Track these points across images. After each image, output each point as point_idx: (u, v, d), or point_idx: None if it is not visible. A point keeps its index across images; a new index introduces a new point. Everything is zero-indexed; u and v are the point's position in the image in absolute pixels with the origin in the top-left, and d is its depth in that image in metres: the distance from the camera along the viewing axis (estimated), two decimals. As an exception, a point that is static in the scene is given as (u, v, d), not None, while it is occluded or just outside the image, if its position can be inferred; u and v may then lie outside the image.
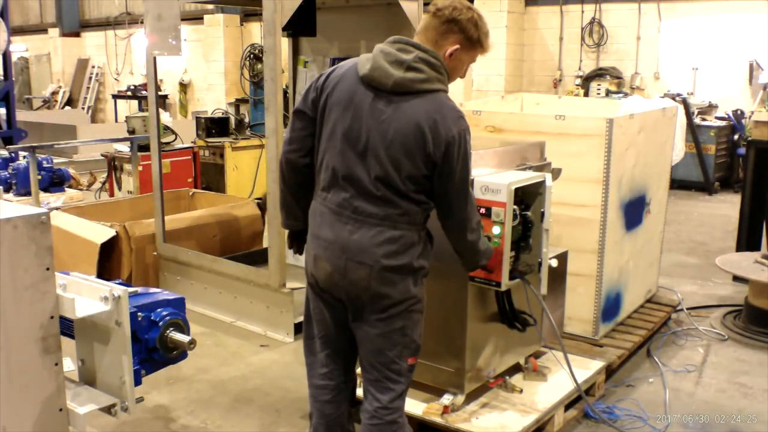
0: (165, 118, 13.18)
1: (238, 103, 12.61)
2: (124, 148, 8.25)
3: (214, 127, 8.63)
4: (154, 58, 5.35)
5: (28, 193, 7.68)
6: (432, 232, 2.80)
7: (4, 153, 8.74)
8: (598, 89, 11.59)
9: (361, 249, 2.60)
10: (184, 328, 2.85)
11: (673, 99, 9.53)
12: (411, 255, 2.65)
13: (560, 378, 3.74)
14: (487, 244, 2.92)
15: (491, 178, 3.16)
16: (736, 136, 10.56)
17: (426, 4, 5.09)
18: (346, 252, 2.62)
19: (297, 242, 3.02)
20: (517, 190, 3.12)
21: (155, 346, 2.75)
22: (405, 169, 2.57)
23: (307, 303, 2.94)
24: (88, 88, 19.71)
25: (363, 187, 2.60)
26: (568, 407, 3.69)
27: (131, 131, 8.25)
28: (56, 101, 19.57)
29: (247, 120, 9.47)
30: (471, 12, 2.62)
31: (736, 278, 5.88)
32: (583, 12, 12.14)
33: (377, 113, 2.57)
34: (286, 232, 3.09)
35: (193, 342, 2.80)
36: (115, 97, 18.45)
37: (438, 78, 2.58)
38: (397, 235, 2.61)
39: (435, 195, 2.66)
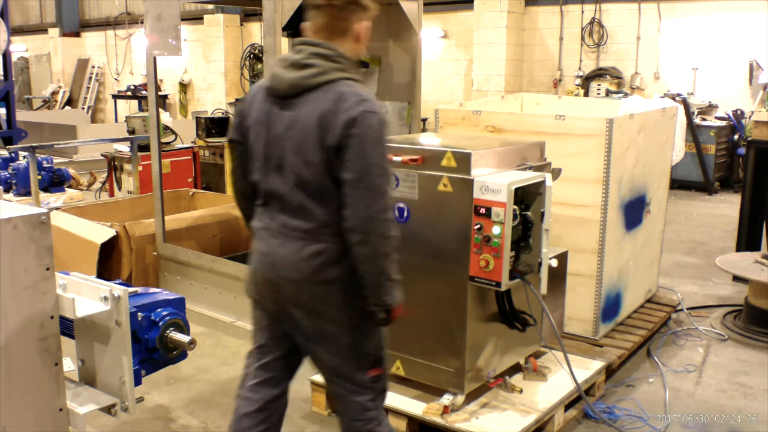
0: (165, 118, 13.17)
1: (238, 103, 12.63)
2: (124, 148, 8.25)
3: (214, 127, 8.63)
4: (154, 58, 5.35)
5: (28, 193, 7.68)
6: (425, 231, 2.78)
7: (4, 153, 8.75)
8: (598, 89, 11.59)
9: (288, 264, 2.50)
10: (184, 328, 2.85)
11: (673, 99, 9.53)
12: (340, 268, 2.47)
13: (560, 378, 3.75)
14: (396, 282, 2.48)
15: (491, 178, 3.16)
16: (736, 136, 10.56)
17: (426, 5, 5.10)
18: (276, 267, 2.53)
19: None
20: (517, 190, 3.13)
21: (155, 346, 2.75)
22: (315, 169, 2.42)
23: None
24: (88, 88, 19.71)
25: (285, 200, 2.51)
26: (568, 407, 3.69)
27: (131, 131, 8.26)
28: (56, 101, 19.57)
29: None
30: None
31: (736, 278, 5.88)
32: (583, 12, 12.14)
33: (283, 121, 2.48)
34: None
35: (193, 342, 2.80)
36: (115, 97, 18.46)
37: (335, 68, 2.44)
38: (321, 248, 2.46)
39: (342, 190, 2.39)
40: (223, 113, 9.99)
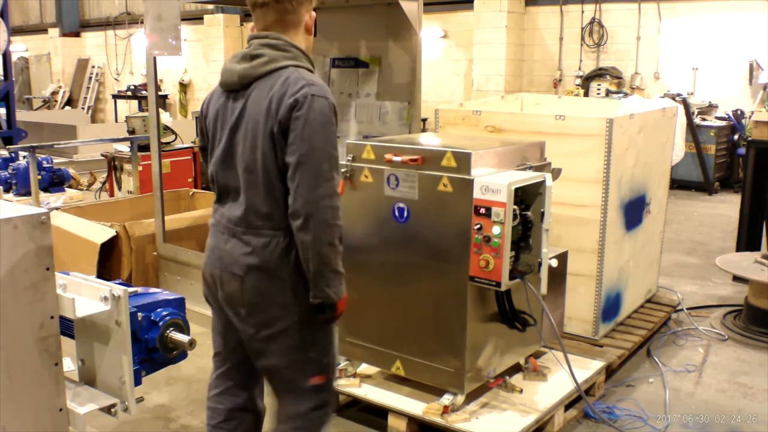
0: (165, 118, 13.17)
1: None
2: (124, 148, 8.25)
3: (214, 127, 8.61)
4: (154, 58, 5.35)
5: (28, 193, 7.68)
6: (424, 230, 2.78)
7: (4, 153, 8.75)
8: (598, 89, 11.59)
9: (233, 259, 2.46)
10: (184, 328, 2.84)
11: (673, 99, 9.53)
12: (286, 263, 2.40)
13: (560, 378, 3.75)
14: (340, 275, 2.40)
15: (491, 178, 3.16)
16: (736, 136, 10.56)
17: (426, 5, 5.10)
18: (222, 262, 2.50)
19: None
20: (517, 190, 3.13)
21: (155, 346, 2.75)
22: (264, 158, 2.37)
23: None
24: (88, 88, 19.72)
25: (234, 194, 2.49)
26: (568, 407, 3.69)
27: (131, 131, 8.26)
28: (56, 101, 19.58)
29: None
30: None
31: (736, 278, 5.88)
32: (583, 12, 12.14)
33: (234, 112, 2.47)
34: None
35: (193, 342, 2.80)
36: (115, 97, 18.47)
37: (284, 56, 2.42)
38: (266, 242, 2.41)
39: (287, 176, 2.34)
40: (223, 113, 9.98)
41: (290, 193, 2.32)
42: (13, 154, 8.52)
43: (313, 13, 2.54)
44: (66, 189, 8.72)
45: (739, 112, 10.55)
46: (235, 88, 2.46)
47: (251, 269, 2.43)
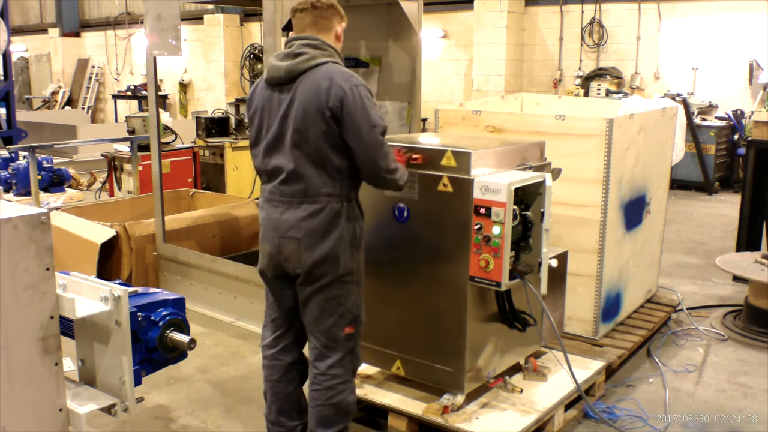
0: (165, 118, 13.17)
1: (238, 103, 12.59)
2: (124, 148, 8.25)
3: (214, 127, 8.63)
4: (154, 58, 5.35)
5: (28, 193, 7.69)
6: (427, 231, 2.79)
7: (4, 153, 8.76)
8: (598, 89, 11.59)
9: (290, 225, 2.90)
10: (184, 328, 2.85)
11: (673, 99, 9.53)
12: (336, 226, 2.90)
13: (560, 378, 3.75)
14: (403, 173, 3.05)
15: (491, 178, 3.16)
16: (736, 136, 10.56)
17: (426, 5, 5.10)
18: (279, 230, 2.92)
19: None
20: (517, 190, 3.13)
21: (155, 346, 2.75)
22: (315, 140, 2.84)
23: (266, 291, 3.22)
24: (88, 88, 19.72)
25: (289, 172, 2.89)
26: (568, 407, 3.69)
27: (131, 131, 8.26)
28: (56, 101, 19.58)
29: (247, 120, 9.45)
30: None
31: (736, 278, 5.88)
32: (583, 12, 12.15)
33: (283, 103, 2.91)
34: None
35: (193, 342, 2.80)
36: (115, 97, 18.47)
37: (322, 54, 2.90)
38: (319, 208, 2.88)
39: (352, 151, 2.88)
40: (223, 113, 9.98)
41: (358, 161, 2.88)
42: (13, 154, 8.52)
43: (344, 24, 3.05)
44: (66, 189, 8.72)
45: (739, 112, 10.55)
46: (282, 82, 2.91)
47: (308, 232, 2.88)
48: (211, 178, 8.43)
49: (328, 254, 2.90)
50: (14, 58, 17.27)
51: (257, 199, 6.75)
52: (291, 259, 2.92)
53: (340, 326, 2.99)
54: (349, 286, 2.99)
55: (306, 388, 3.17)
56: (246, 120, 3.13)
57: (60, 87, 19.90)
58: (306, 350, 3.20)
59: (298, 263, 2.91)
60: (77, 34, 20.37)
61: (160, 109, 6.72)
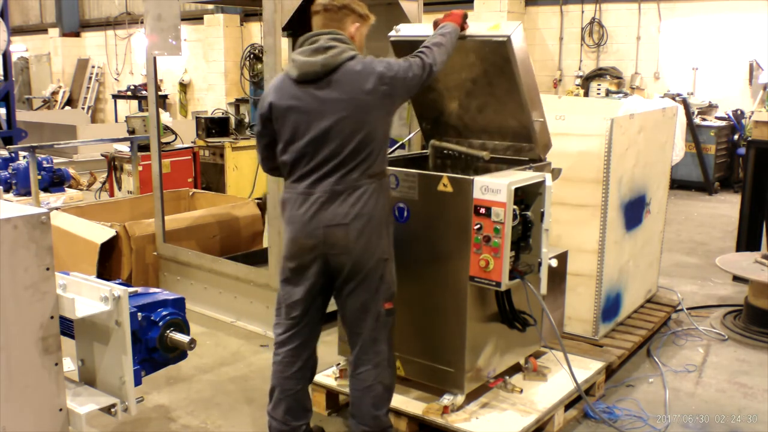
0: (165, 118, 13.17)
1: (238, 103, 12.62)
2: (124, 148, 8.25)
3: (214, 127, 8.63)
4: (154, 58, 5.35)
5: (28, 193, 7.68)
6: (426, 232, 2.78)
7: (4, 153, 8.75)
8: (598, 89, 11.59)
9: (335, 214, 2.96)
10: (184, 328, 2.85)
11: (673, 99, 9.52)
12: (378, 206, 3.02)
13: (560, 378, 3.75)
14: (429, 59, 3.12)
15: (491, 178, 3.16)
16: (736, 136, 10.55)
17: (426, 5, 5.11)
18: (321, 221, 2.97)
19: None
20: (517, 190, 3.13)
21: (155, 346, 2.75)
22: (360, 126, 2.94)
23: (280, 291, 3.24)
24: (88, 88, 19.71)
25: (332, 164, 2.96)
26: (568, 407, 3.69)
27: (131, 131, 8.26)
28: (56, 101, 19.57)
29: (247, 120, 9.46)
30: None
31: (736, 278, 5.88)
32: (583, 12, 12.14)
33: (321, 99, 2.96)
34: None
35: (193, 342, 2.81)
36: (115, 97, 18.46)
37: (349, 48, 3.01)
38: (363, 191, 2.98)
39: (410, 93, 3.13)
40: (223, 113, 9.98)
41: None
42: (13, 154, 8.52)
43: (358, 25, 3.11)
44: (66, 189, 8.72)
45: (739, 112, 10.55)
46: (318, 77, 2.96)
47: (356, 216, 2.96)
48: (211, 178, 8.43)
49: (373, 235, 3.00)
50: (14, 58, 17.27)
51: (258, 199, 6.79)
52: (338, 244, 2.98)
53: (382, 304, 3.10)
54: (389, 262, 3.11)
55: (315, 377, 3.32)
56: (255, 119, 3.15)
57: (60, 87, 19.90)
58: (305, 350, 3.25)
59: (345, 248, 2.98)
60: (77, 34, 20.36)
61: (160, 109, 6.72)
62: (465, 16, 3.36)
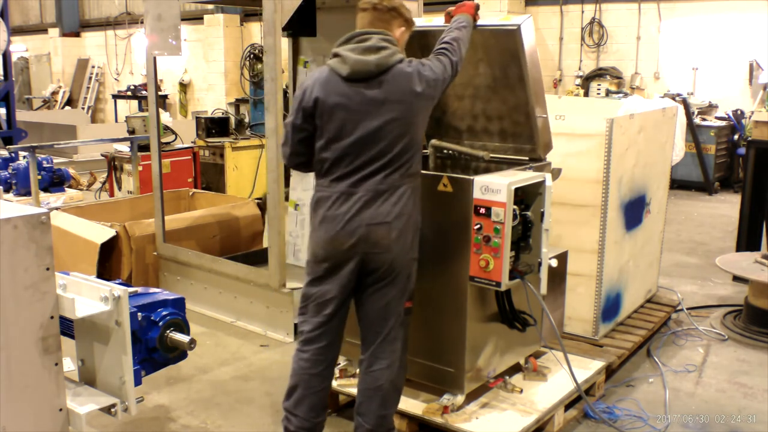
0: (165, 118, 13.17)
1: (238, 103, 12.59)
2: (124, 148, 8.25)
3: (214, 127, 8.62)
4: (154, 58, 5.35)
5: (28, 193, 7.68)
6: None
7: (4, 153, 8.75)
8: (598, 89, 11.59)
9: (377, 212, 2.98)
10: (184, 328, 2.85)
11: (673, 99, 9.52)
12: (414, 206, 3.07)
13: (560, 378, 3.75)
14: (454, 56, 3.17)
15: (491, 178, 3.16)
16: (736, 136, 10.55)
17: (426, 5, 5.11)
18: (362, 220, 2.98)
19: None
20: (517, 190, 3.13)
21: (155, 346, 2.75)
22: (410, 126, 2.99)
23: (308, 290, 3.18)
24: (88, 88, 19.70)
25: (378, 163, 2.97)
26: (568, 407, 3.69)
27: (131, 131, 8.25)
28: (56, 101, 19.56)
29: (247, 120, 9.47)
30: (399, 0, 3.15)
31: (736, 278, 5.88)
32: (583, 12, 12.14)
33: (371, 97, 2.96)
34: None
35: (193, 342, 2.81)
36: (115, 97, 18.45)
37: (397, 50, 3.03)
38: (401, 192, 3.00)
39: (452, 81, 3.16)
40: (223, 113, 9.98)
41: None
42: (13, 154, 8.51)
43: (404, 30, 3.13)
44: (66, 189, 8.72)
45: (739, 112, 10.55)
46: (371, 75, 2.96)
47: (397, 216, 3.00)
48: (211, 178, 8.43)
49: (408, 233, 3.05)
50: (14, 58, 17.26)
51: (258, 199, 6.80)
52: (378, 243, 2.99)
53: (404, 303, 3.15)
54: (415, 262, 3.16)
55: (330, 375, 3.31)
56: (302, 104, 3.08)
57: (60, 87, 19.89)
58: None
59: (385, 246, 3.00)
60: (77, 34, 20.35)
61: (160, 109, 6.72)
62: (477, 7, 3.39)
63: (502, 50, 3.55)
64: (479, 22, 3.42)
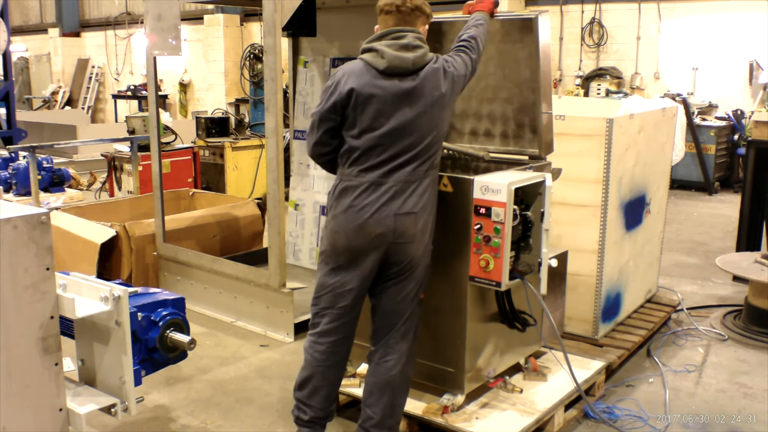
0: (165, 118, 13.16)
1: (238, 103, 12.60)
2: (124, 148, 8.25)
3: (214, 127, 8.63)
4: (154, 58, 5.35)
5: (28, 193, 7.69)
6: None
7: (4, 153, 8.75)
8: (598, 89, 11.59)
9: (404, 203, 3.04)
10: (184, 328, 2.85)
11: (673, 99, 9.52)
12: (435, 198, 3.16)
13: (560, 378, 3.75)
14: (474, 53, 3.29)
15: (491, 178, 3.16)
16: (736, 136, 10.55)
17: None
18: (391, 208, 3.03)
19: None
20: (517, 190, 3.13)
21: (155, 346, 2.76)
22: (441, 121, 3.11)
23: (325, 279, 3.18)
24: (88, 88, 19.71)
25: (406, 156, 3.05)
26: (568, 407, 3.69)
27: (131, 131, 8.25)
28: (56, 101, 19.56)
29: (247, 120, 9.47)
30: None
31: (736, 278, 5.88)
32: (583, 12, 12.14)
33: (405, 92, 3.05)
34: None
35: (193, 342, 2.81)
36: (115, 97, 18.45)
37: (428, 49, 3.14)
38: (426, 183, 3.09)
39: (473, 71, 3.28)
40: (223, 113, 9.98)
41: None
42: (13, 154, 8.52)
43: (426, 27, 3.22)
44: (66, 189, 8.72)
45: (739, 112, 10.55)
46: (407, 72, 3.06)
47: (423, 207, 3.07)
48: (211, 178, 8.44)
49: (429, 224, 3.13)
50: (14, 58, 17.27)
51: (258, 199, 6.79)
52: (405, 233, 3.05)
53: (418, 294, 3.20)
54: (430, 253, 3.20)
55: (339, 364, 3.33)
56: (324, 101, 3.14)
57: (60, 87, 19.89)
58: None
59: (411, 236, 3.06)
60: (77, 34, 20.35)
61: (160, 109, 6.71)
62: (496, 4, 3.48)
63: (516, 41, 3.64)
64: (497, 14, 3.52)
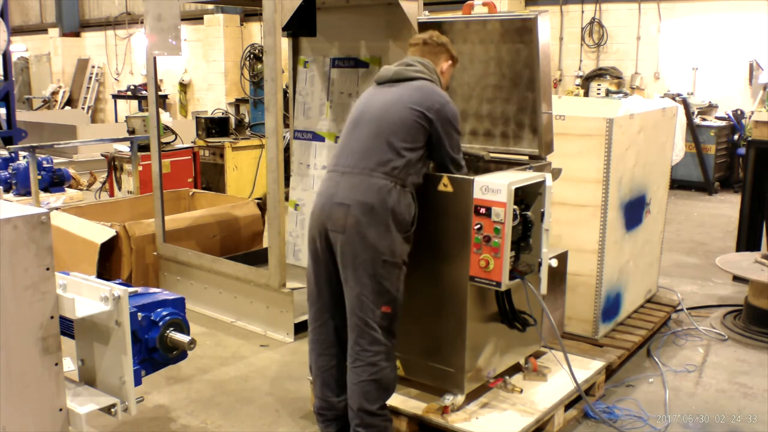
0: (165, 118, 13.17)
1: (238, 103, 12.60)
2: (124, 148, 8.25)
3: (214, 127, 8.63)
4: (154, 58, 5.35)
5: (28, 193, 7.69)
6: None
7: (4, 153, 8.75)
8: (598, 89, 11.59)
9: (344, 194, 3.10)
10: (184, 328, 2.85)
11: (673, 99, 9.52)
12: (392, 201, 3.07)
13: (560, 378, 3.75)
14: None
15: (491, 178, 3.16)
16: (736, 136, 10.56)
17: (426, 5, 5.11)
18: (334, 197, 3.12)
19: None
20: (517, 190, 3.13)
21: (155, 346, 2.76)
22: (396, 125, 3.14)
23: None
24: (88, 88, 19.71)
25: (363, 149, 3.15)
26: (568, 407, 3.69)
27: (131, 131, 8.26)
28: (56, 101, 19.56)
29: (247, 120, 9.47)
30: (447, 37, 3.48)
31: (736, 278, 5.88)
32: (583, 12, 12.15)
33: (380, 97, 3.25)
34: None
35: (193, 342, 2.81)
36: (115, 97, 18.45)
37: (429, 73, 3.29)
38: (373, 183, 3.07)
39: (428, 151, 3.27)
40: (223, 113, 9.98)
41: (439, 162, 3.31)
42: (13, 154, 8.52)
43: (450, 63, 3.44)
44: (66, 189, 8.72)
45: (739, 112, 10.55)
46: (388, 81, 3.29)
47: (361, 204, 3.06)
48: (211, 178, 8.44)
49: (378, 231, 3.09)
50: (14, 58, 17.26)
51: (258, 199, 6.80)
52: (336, 223, 3.12)
53: (377, 305, 3.13)
54: (390, 266, 3.13)
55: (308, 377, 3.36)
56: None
57: (60, 87, 19.89)
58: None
59: (341, 230, 3.10)
60: (77, 34, 20.35)
61: (160, 109, 6.72)
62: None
63: (516, 41, 3.66)
64: (497, 14, 3.60)
